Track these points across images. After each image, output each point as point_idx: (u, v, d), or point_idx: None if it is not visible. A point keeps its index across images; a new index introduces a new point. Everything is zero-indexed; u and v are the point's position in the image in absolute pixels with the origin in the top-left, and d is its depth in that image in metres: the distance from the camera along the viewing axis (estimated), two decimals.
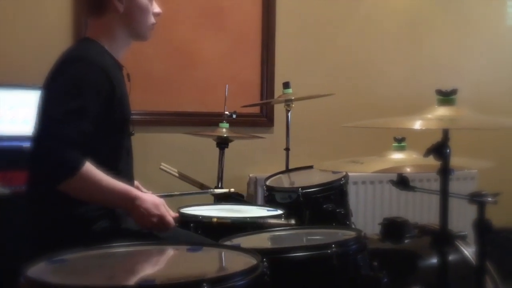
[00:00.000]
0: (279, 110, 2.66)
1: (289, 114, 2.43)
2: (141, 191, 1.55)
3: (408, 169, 1.60)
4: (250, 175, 2.72)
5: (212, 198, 2.35)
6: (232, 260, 1.18)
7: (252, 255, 1.13)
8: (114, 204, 1.39)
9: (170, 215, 1.41)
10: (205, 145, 2.46)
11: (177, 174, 2.26)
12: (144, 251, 1.26)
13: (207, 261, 1.21)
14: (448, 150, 1.27)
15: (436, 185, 3.16)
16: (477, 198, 1.39)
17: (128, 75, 1.56)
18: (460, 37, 3.17)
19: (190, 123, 2.57)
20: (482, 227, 1.39)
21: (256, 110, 2.78)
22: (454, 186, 3.16)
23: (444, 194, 1.32)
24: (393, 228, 1.81)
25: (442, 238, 1.30)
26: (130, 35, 1.52)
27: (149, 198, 1.38)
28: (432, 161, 1.34)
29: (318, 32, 2.88)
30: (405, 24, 3.05)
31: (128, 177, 1.50)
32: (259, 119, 2.78)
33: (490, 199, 1.37)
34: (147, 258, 1.25)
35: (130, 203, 1.35)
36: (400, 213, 2.82)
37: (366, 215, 2.85)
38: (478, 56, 3.22)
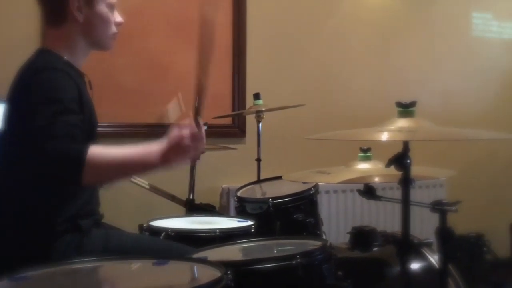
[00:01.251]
0: (251, 121, 2.68)
1: (260, 125, 2.46)
2: None
3: (375, 179, 1.64)
4: (223, 186, 2.72)
5: (183, 209, 2.35)
6: (197, 274, 1.19)
7: (217, 268, 1.13)
8: (145, 170, 1.37)
9: (186, 128, 1.38)
10: None
11: (147, 187, 2.25)
12: (109, 266, 1.26)
13: (172, 275, 1.21)
14: (408, 161, 1.30)
15: (398, 195, 3.22)
16: (438, 207, 1.42)
17: (89, 82, 1.54)
18: (427, 49, 3.25)
19: (161, 135, 2.56)
20: (444, 235, 1.42)
21: (228, 121, 2.79)
22: (423, 193, 3.28)
23: (406, 203, 1.35)
24: (361, 237, 1.84)
25: (404, 246, 1.33)
26: (91, 45, 1.50)
27: (164, 144, 1.34)
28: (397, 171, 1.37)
29: (289, 44, 2.92)
30: (374, 37, 3.11)
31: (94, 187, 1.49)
32: (231, 130, 2.80)
33: (450, 207, 1.40)
34: (112, 273, 1.24)
35: (158, 160, 1.32)
36: (370, 222, 2.86)
37: (339, 224, 2.88)
38: (445, 67, 3.30)
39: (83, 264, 1.22)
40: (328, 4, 3.01)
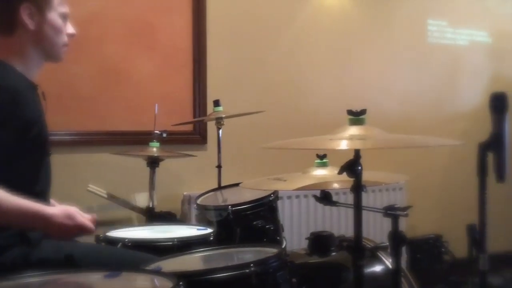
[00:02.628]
0: (212, 127, 2.67)
1: (220, 131, 2.45)
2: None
3: (331, 185, 1.66)
4: (184, 193, 2.70)
5: (143, 218, 2.33)
6: (149, 285, 1.17)
7: (169, 279, 1.12)
8: (27, 226, 1.34)
9: (87, 220, 1.38)
10: (136, 165, 2.42)
11: (105, 196, 2.21)
12: (60, 280, 1.23)
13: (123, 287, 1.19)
14: (359, 168, 1.33)
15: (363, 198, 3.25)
16: (390, 212, 1.45)
17: (43, 93, 1.51)
18: (386, 55, 3.32)
19: (119, 142, 2.53)
20: (396, 239, 1.45)
21: (189, 128, 2.78)
22: (384, 196, 3.33)
23: (358, 209, 1.37)
24: (319, 242, 1.86)
25: (357, 251, 1.35)
26: (42, 55, 1.47)
27: (61, 211, 1.34)
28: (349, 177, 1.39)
29: (249, 51, 2.93)
30: (333, 44, 3.16)
31: (46, 198, 1.46)
32: (192, 137, 2.78)
33: (402, 212, 1.44)
34: (63, 287, 1.21)
35: (44, 223, 1.31)
36: (332, 226, 2.90)
37: (301, 229, 2.90)
38: (403, 73, 3.38)
39: (31, 279, 1.19)
40: (288, 12, 3.04)
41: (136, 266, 1.32)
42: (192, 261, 1.54)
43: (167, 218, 2.30)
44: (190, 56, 2.76)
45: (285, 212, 2.85)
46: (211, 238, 1.80)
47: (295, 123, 2.94)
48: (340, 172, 1.34)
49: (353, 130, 1.33)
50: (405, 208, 1.46)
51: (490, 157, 1.61)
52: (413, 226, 3.35)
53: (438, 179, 3.40)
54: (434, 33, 3.46)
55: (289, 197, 2.87)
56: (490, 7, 3.68)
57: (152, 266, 1.37)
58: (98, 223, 1.44)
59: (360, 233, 1.36)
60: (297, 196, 2.90)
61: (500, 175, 1.57)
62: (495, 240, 3.83)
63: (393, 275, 1.47)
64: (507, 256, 3.60)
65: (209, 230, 1.87)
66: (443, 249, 3.31)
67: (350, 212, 3.12)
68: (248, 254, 1.62)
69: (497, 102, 1.56)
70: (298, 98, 3.04)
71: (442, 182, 3.38)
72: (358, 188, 1.35)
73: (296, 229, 2.87)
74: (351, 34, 3.21)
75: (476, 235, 2.84)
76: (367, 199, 3.15)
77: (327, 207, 2.98)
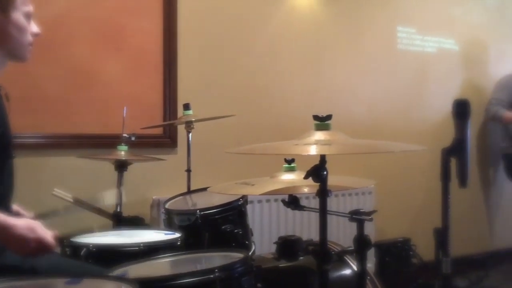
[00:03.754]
0: (183, 131, 2.65)
1: (190, 135, 2.44)
2: (21, 214, 1.48)
3: (299, 189, 1.67)
4: (154, 197, 2.67)
5: (111, 223, 2.29)
6: None
7: (131, 285, 1.11)
8: None
9: (48, 235, 1.34)
10: (103, 168, 2.38)
11: (71, 200, 2.16)
12: (21, 287, 1.19)
13: None
14: (325, 173, 1.33)
15: (329, 203, 3.30)
16: (356, 216, 1.46)
17: (6, 94, 1.48)
18: (356, 61, 3.36)
19: (86, 146, 2.49)
20: (362, 243, 1.46)
21: (159, 131, 2.75)
22: (353, 200, 3.36)
23: (323, 213, 1.38)
24: (287, 246, 1.87)
25: (322, 255, 1.36)
26: (6, 55, 1.44)
27: (23, 223, 1.30)
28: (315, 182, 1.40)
29: (221, 55, 2.92)
30: (304, 50, 3.18)
31: (7, 202, 1.42)
32: (162, 141, 2.75)
33: (367, 216, 1.45)
34: None
35: (3, 232, 1.27)
36: (302, 230, 2.91)
37: (272, 233, 2.90)
38: (373, 79, 3.43)
39: None
40: (261, 17, 3.05)
41: (98, 273, 1.30)
42: (158, 267, 1.52)
43: (135, 222, 2.26)
44: (161, 59, 2.74)
45: (255, 216, 2.85)
46: (179, 243, 1.79)
47: (265, 128, 2.95)
48: (306, 177, 1.35)
49: (319, 135, 1.34)
50: (370, 213, 1.48)
51: (453, 163, 1.65)
52: (382, 229, 3.39)
53: (406, 183, 3.45)
54: (403, 40, 3.52)
55: (259, 201, 2.87)
56: (457, 16, 3.77)
57: (118, 272, 1.35)
58: (61, 238, 1.40)
59: (325, 238, 1.37)
60: (268, 200, 2.90)
61: (462, 180, 1.61)
62: (462, 243, 3.94)
63: (358, 278, 1.48)
64: (473, 259, 3.69)
65: (177, 235, 1.85)
66: (411, 252, 3.36)
67: (315, 216, 3.13)
68: (215, 259, 1.62)
69: (460, 109, 1.60)
70: (269, 102, 3.05)
71: (410, 186, 3.44)
72: (323, 193, 1.36)
73: (267, 233, 2.87)
74: (322, 40, 3.23)
75: (443, 238, 2.89)
76: (337, 203, 3.19)
77: (297, 212, 2.99)
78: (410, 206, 3.44)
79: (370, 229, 3.19)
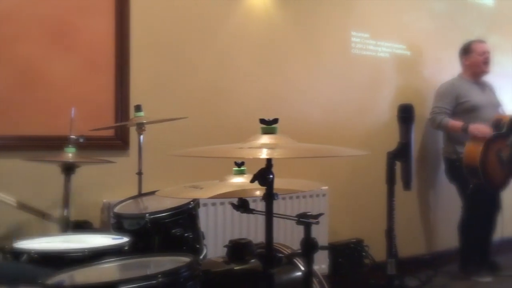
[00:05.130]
0: (136, 133, 2.60)
1: (141, 137, 2.40)
2: None
3: (249, 192, 1.66)
4: (104, 200, 2.61)
5: (57, 227, 2.22)
6: None
7: None
8: None
9: None
10: (50, 171, 2.31)
11: (15, 204, 2.09)
12: None
13: None
14: (271, 176, 1.34)
15: (284, 205, 3.31)
16: (303, 219, 1.47)
17: None
18: (311, 65, 3.40)
19: (32, 148, 2.40)
20: (309, 245, 1.47)
21: (110, 133, 2.68)
22: (307, 203, 3.39)
23: (269, 217, 1.38)
24: (237, 250, 1.86)
25: (268, 258, 1.36)
26: None
27: None
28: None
29: (176, 55, 2.88)
30: (261, 53, 3.19)
31: None
32: (113, 143, 2.69)
33: (313, 220, 1.46)
34: None
35: None
36: (256, 233, 2.91)
37: (225, 236, 2.89)
38: (327, 82, 3.47)
39: None
40: (216, 18, 3.03)
41: (34, 280, 1.25)
42: (103, 272, 1.48)
43: (83, 227, 2.20)
44: (112, 59, 2.67)
45: (209, 219, 2.83)
46: (126, 248, 1.75)
47: (219, 130, 2.94)
48: (252, 181, 1.35)
49: (265, 139, 1.34)
50: (317, 216, 1.49)
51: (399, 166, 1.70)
52: (335, 231, 3.44)
53: (359, 185, 3.52)
54: (357, 44, 3.59)
55: (213, 204, 2.85)
56: (408, 22, 3.88)
57: (56, 279, 1.31)
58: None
59: (271, 241, 1.37)
60: (222, 203, 2.89)
61: (406, 183, 1.65)
62: (413, 244, 4.03)
63: (305, 280, 1.49)
64: (423, 259, 3.80)
65: (124, 239, 1.81)
66: (363, 253, 3.42)
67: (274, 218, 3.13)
68: (163, 264, 1.59)
69: (404, 113, 1.65)
70: (223, 105, 3.04)
71: (363, 188, 3.50)
72: (269, 196, 1.36)
73: (221, 237, 2.85)
74: (278, 42, 3.25)
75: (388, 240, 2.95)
76: (291, 205, 3.21)
77: (251, 215, 2.99)
78: (363, 207, 3.50)
79: (323, 231, 3.27)
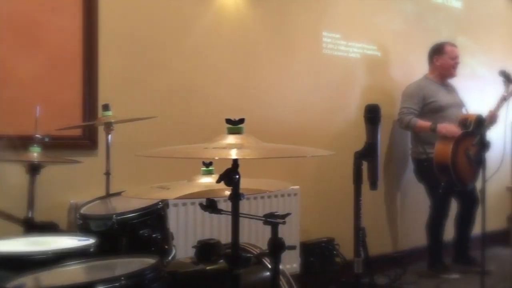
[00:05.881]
0: (104, 132, 2.56)
1: (110, 137, 2.36)
2: None
3: (213, 193, 1.65)
4: (71, 201, 2.56)
5: (21, 229, 2.16)
6: None
7: None
8: None
9: None
10: (15, 171, 2.25)
11: None
12: None
13: None
14: (237, 177, 1.33)
15: (256, 205, 3.31)
16: (270, 219, 1.47)
17: None
18: (284, 65, 3.40)
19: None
20: (276, 245, 1.47)
21: (78, 132, 2.63)
22: (279, 202, 3.39)
23: (235, 217, 1.37)
24: (206, 250, 1.84)
25: (233, 259, 1.35)
26: None
27: None
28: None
29: (145, 53, 2.84)
30: (233, 53, 3.17)
31: None
32: (81, 142, 2.64)
33: (280, 220, 1.46)
34: None
35: None
36: (227, 233, 2.89)
37: (197, 237, 2.86)
38: (299, 82, 3.48)
39: None
40: (186, 17, 3.00)
41: None
42: (67, 275, 1.45)
43: (48, 228, 2.15)
44: (80, 57, 2.62)
45: (180, 219, 2.80)
46: (92, 250, 1.72)
47: (189, 130, 2.91)
48: (218, 181, 1.34)
49: (231, 139, 1.33)
50: (284, 216, 1.49)
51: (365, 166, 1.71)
52: (307, 230, 3.46)
53: (330, 184, 3.54)
54: (328, 45, 3.61)
55: (184, 204, 2.82)
56: (379, 23, 3.93)
57: (15, 283, 1.27)
58: None
59: (237, 241, 1.37)
60: (193, 203, 2.87)
61: (373, 183, 1.67)
62: (383, 243, 4.08)
63: (272, 280, 1.49)
64: (392, 257, 3.85)
65: (90, 241, 1.78)
66: (334, 252, 3.46)
67: (240, 219, 3.15)
68: (129, 266, 1.57)
69: (371, 113, 1.66)
70: (194, 104, 3.01)
71: (333, 188, 3.52)
72: (236, 196, 1.36)
73: (191, 237, 2.83)
74: (249, 42, 3.25)
75: (364, 238, 2.98)
76: (263, 205, 3.21)
77: (222, 215, 2.98)
78: (334, 207, 3.52)
79: (295, 230, 3.28)
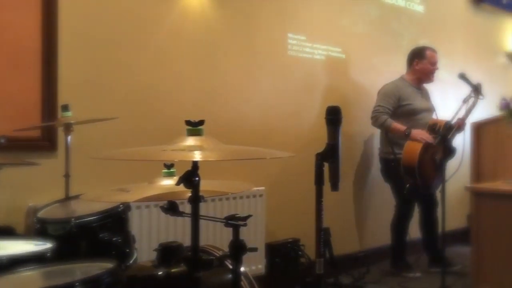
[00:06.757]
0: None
1: (69, 138, 2.30)
2: None
3: (188, 195, 1.63)
4: (30, 205, 2.48)
5: None
6: None
7: None
8: None
9: None
10: None
11: None
12: None
13: None
14: (197, 179, 1.32)
15: (221, 207, 3.29)
16: (231, 221, 1.46)
17: None
18: (248, 66, 3.40)
19: None
20: (237, 247, 1.47)
21: (37, 133, 2.56)
22: (244, 203, 3.39)
23: (195, 220, 1.36)
24: (167, 253, 1.82)
25: (193, 262, 1.34)
26: None
27: None
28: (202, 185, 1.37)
29: (107, 53, 2.78)
30: (197, 54, 3.14)
31: None
32: (39, 143, 2.56)
33: (242, 222, 1.46)
34: None
35: None
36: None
37: (160, 240, 2.82)
38: (264, 84, 3.48)
39: None
40: (150, 17, 2.95)
41: None
42: (21, 281, 1.41)
43: (4, 233, 2.08)
44: (39, 56, 2.55)
45: (143, 222, 2.76)
46: (49, 255, 1.67)
47: (151, 131, 2.86)
48: (177, 183, 1.33)
49: (190, 141, 1.32)
50: (245, 218, 1.49)
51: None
52: (273, 231, 3.47)
53: (295, 185, 3.54)
54: (293, 46, 3.63)
55: (147, 206, 2.78)
56: (344, 26, 3.97)
57: None
58: None
59: (197, 244, 1.35)
60: (156, 205, 2.83)
61: (334, 184, 1.68)
62: (347, 242, 4.12)
63: (233, 282, 1.48)
64: (357, 256, 3.90)
65: (47, 246, 1.73)
66: (300, 252, 3.47)
67: (204, 221, 3.14)
68: (86, 271, 1.53)
69: (332, 115, 1.68)
70: (157, 105, 2.97)
71: (298, 188, 3.52)
72: (195, 199, 1.34)
73: (155, 240, 2.78)
74: (214, 42, 3.23)
75: (328, 238, 3.00)
76: (228, 206, 3.19)
77: (186, 217, 2.95)
78: (299, 207, 3.53)
79: (260, 231, 3.29)
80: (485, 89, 3.74)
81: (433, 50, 3.92)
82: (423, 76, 3.89)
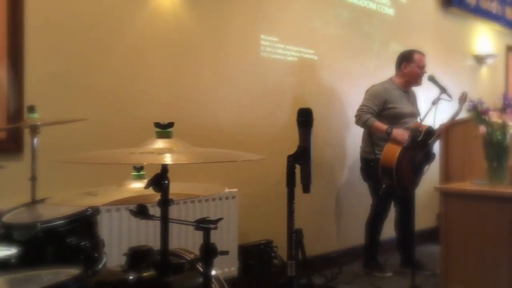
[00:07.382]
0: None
1: (35, 140, 2.24)
2: None
3: (142, 198, 1.60)
4: None
5: None
6: None
7: None
8: None
9: None
10: None
11: None
12: None
13: None
14: (166, 182, 1.29)
15: (194, 209, 3.26)
16: (201, 225, 1.44)
17: None
18: (221, 67, 3.38)
19: None
20: (208, 251, 1.45)
21: (1, 135, 2.49)
22: (217, 205, 3.36)
23: (165, 223, 1.33)
24: (137, 257, 1.78)
25: (162, 266, 1.31)
26: None
27: None
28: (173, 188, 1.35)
29: (77, 53, 2.72)
30: (170, 55, 3.11)
31: None
32: (5, 146, 2.49)
33: (212, 225, 1.44)
34: None
35: None
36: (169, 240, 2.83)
37: (131, 243, 2.76)
38: (236, 85, 3.47)
39: None
40: (120, 17, 2.90)
41: None
42: None
43: None
44: (4, 55, 2.47)
45: (113, 226, 2.71)
46: (13, 261, 1.61)
47: (121, 133, 2.81)
48: (146, 187, 1.30)
49: (159, 143, 1.29)
50: (216, 221, 1.47)
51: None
52: (246, 233, 3.45)
53: (268, 187, 3.55)
54: (266, 48, 3.62)
55: (117, 210, 2.74)
56: (316, 27, 3.99)
57: None
58: None
59: (166, 248, 1.33)
60: (126, 209, 2.77)
61: (306, 186, 1.68)
62: (320, 243, 4.14)
63: (204, 286, 1.46)
64: (329, 257, 3.93)
65: (12, 251, 1.67)
66: (273, 254, 3.47)
67: (176, 224, 3.10)
68: (53, 277, 1.48)
69: (302, 117, 1.67)
70: (126, 107, 2.92)
71: (271, 190, 3.53)
72: (165, 202, 1.32)
73: (126, 244, 2.73)
74: (186, 43, 3.20)
75: (301, 239, 2.99)
76: (200, 209, 3.16)
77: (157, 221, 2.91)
78: (272, 209, 3.53)
79: (233, 233, 3.27)
80: (453, 91, 3.82)
81: (421, 54, 3.93)
82: (411, 79, 3.90)
